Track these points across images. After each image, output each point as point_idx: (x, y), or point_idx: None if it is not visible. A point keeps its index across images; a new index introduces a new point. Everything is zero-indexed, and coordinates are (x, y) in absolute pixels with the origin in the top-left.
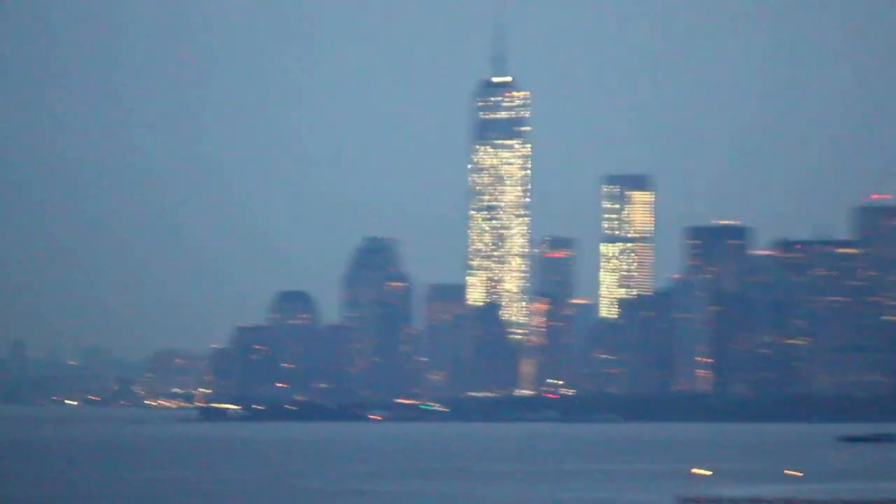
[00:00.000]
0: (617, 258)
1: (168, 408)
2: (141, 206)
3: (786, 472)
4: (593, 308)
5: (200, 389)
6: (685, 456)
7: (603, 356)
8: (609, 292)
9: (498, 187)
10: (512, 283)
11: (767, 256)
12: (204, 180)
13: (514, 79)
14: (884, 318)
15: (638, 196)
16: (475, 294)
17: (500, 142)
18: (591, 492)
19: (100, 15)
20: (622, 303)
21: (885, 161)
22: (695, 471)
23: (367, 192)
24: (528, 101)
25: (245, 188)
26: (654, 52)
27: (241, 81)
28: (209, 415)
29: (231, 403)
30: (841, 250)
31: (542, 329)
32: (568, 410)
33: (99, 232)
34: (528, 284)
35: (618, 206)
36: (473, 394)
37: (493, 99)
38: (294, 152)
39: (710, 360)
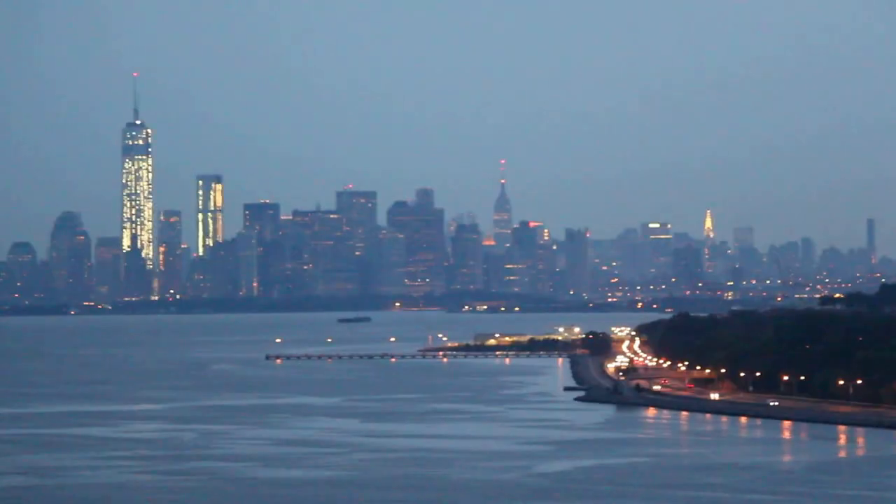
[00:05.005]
0: (206, 222)
1: None
2: None
3: (327, 339)
4: (192, 249)
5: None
6: (266, 331)
7: (198, 277)
8: (201, 241)
9: (137, 182)
10: (145, 235)
11: (289, 220)
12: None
13: (143, 121)
14: (357, 254)
15: (217, 187)
16: (125, 243)
17: (137, 157)
18: (208, 354)
19: None
20: (209, 248)
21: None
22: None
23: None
24: (152, 134)
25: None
26: (264, 84)
27: None
28: None
29: None
30: (330, 216)
31: (163, 261)
32: (181, 308)
33: None
34: (156, 236)
35: (206, 195)
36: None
37: (133, 133)
38: None
39: (259, 278)
